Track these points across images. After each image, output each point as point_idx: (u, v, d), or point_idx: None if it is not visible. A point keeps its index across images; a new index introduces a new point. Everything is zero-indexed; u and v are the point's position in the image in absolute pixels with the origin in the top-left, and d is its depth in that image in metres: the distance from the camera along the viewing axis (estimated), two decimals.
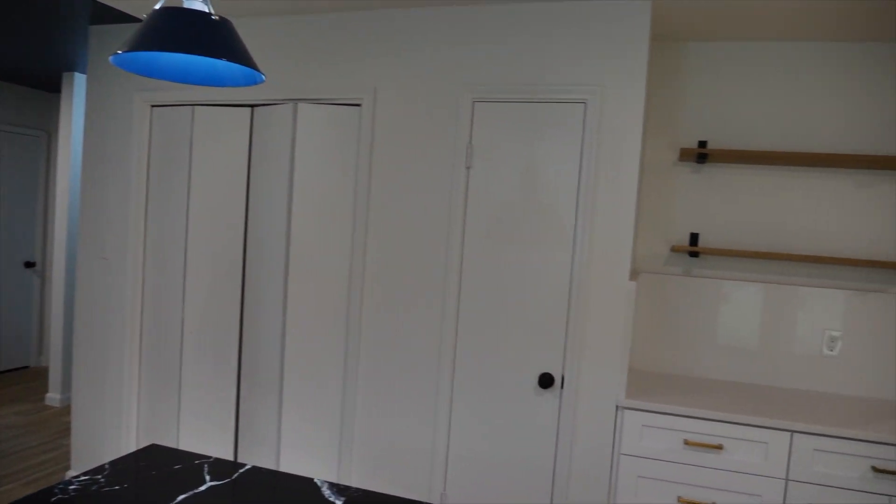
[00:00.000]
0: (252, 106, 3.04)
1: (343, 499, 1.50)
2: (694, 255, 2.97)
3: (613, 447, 2.57)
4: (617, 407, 2.55)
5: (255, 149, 3.01)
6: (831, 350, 2.86)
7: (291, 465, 2.93)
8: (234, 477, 1.55)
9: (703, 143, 2.97)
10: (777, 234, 2.92)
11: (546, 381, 2.60)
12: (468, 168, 2.68)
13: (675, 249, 2.93)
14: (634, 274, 2.97)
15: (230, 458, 3.06)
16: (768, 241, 2.93)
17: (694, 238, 3.00)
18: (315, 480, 1.56)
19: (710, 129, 2.97)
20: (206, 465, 1.61)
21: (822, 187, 2.87)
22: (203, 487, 1.47)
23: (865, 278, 2.83)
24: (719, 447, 2.41)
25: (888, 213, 2.81)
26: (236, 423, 3.10)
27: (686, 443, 2.44)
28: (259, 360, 2.98)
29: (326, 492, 1.52)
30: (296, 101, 2.91)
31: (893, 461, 2.29)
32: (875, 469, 2.30)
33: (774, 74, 2.89)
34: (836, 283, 2.87)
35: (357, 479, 2.88)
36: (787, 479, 2.38)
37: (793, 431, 2.36)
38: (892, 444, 2.29)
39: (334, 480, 2.65)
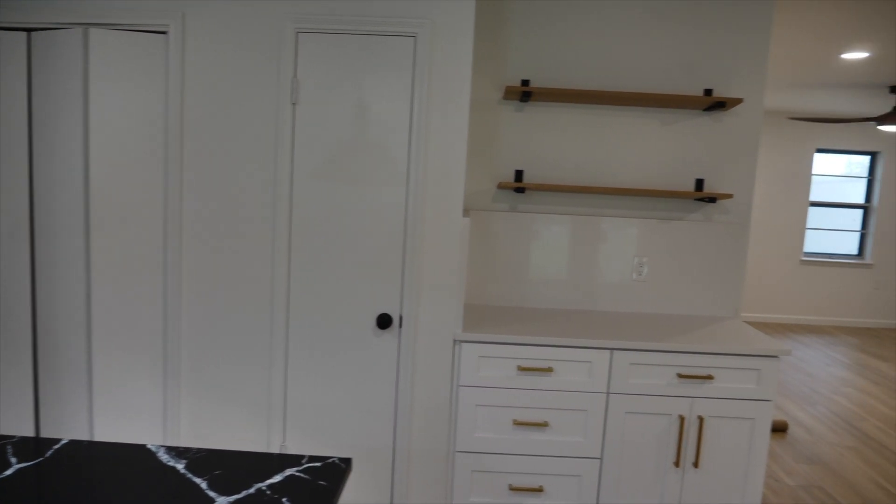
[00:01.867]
0: (28, 30, 2.59)
1: (184, 461, 1.37)
2: (519, 191, 3.08)
3: (452, 380, 2.63)
4: (455, 341, 2.60)
5: (37, 83, 2.59)
6: (640, 274, 3.14)
7: (108, 436, 2.67)
8: (47, 454, 1.35)
9: (526, 82, 3.04)
10: (594, 169, 3.11)
11: (384, 321, 2.58)
12: (294, 104, 2.52)
13: (501, 186, 3.01)
14: (465, 211, 3.02)
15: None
16: (587, 176, 3.12)
17: (519, 175, 3.10)
18: (148, 446, 1.40)
19: (533, 68, 3.05)
20: (9, 447, 1.38)
21: (632, 124, 3.09)
22: (9, 471, 1.26)
23: (668, 208, 3.12)
24: (549, 370, 2.56)
25: (687, 148, 3.09)
26: (36, 404, 2.74)
27: (520, 368, 2.57)
28: (58, 329, 2.64)
29: (164, 456, 1.38)
30: (86, 25, 2.53)
31: (694, 367, 2.59)
32: (679, 375, 2.58)
33: (591, 15, 3.02)
34: (644, 213, 3.13)
35: (186, 441, 2.69)
36: (608, 393, 2.60)
37: (612, 349, 2.57)
38: (693, 352, 2.58)
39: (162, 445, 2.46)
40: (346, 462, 1.47)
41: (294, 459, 1.45)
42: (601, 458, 2.64)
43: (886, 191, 7.92)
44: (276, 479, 1.36)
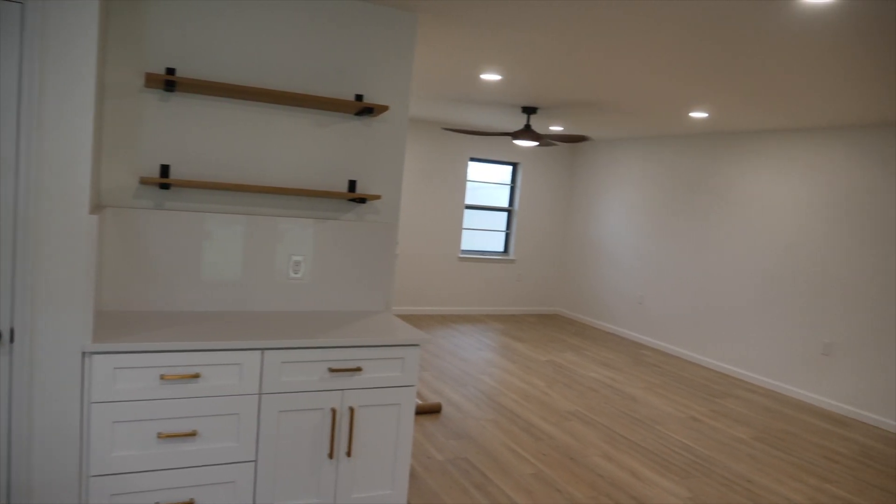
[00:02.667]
0: None
1: None
2: (165, 187, 2.87)
3: (83, 397, 2.33)
4: (83, 354, 2.31)
5: None
6: (296, 273, 3.16)
7: None
8: None
9: (171, 71, 2.84)
10: (249, 167, 3.04)
11: None
12: None
13: (144, 182, 2.77)
14: (98, 208, 2.71)
15: None
16: (241, 174, 3.03)
17: (165, 170, 2.89)
18: None
19: (181, 57, 2.87)
20: None
21: (288, 124, 3.09)
22: None
23: (323, 207, 3.20)
24: (196, 376, 2.43)
25: (340, 150, 3.20)
26: None
27: (163, 378, 2.39)
28: None
29: None
30: None
31: (344, 360, 2.69)
32: (331, 369, 2.66)
33: (243, 7, 2.94)
34: (300, 212, 3.16)
35: None
36: (260, 394, 2.56)
37: (263, 349, 2.54)
38: (342, 347, 2.68)
39: None
40: None
41: None
42: (256, 461, 2.60)
43: (524, 196, 9.28)
44: None
